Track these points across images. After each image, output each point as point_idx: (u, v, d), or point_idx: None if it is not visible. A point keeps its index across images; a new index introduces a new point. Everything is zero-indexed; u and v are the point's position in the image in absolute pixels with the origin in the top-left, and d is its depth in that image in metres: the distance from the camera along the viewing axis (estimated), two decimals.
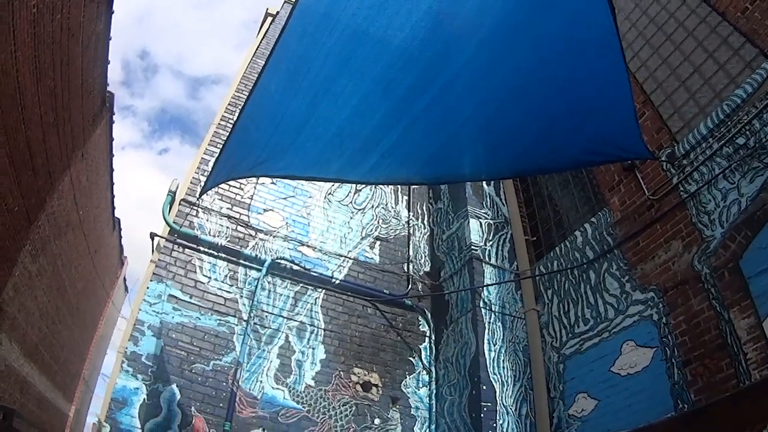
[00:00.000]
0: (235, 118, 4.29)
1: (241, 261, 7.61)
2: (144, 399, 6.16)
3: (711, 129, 6.41)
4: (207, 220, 7.72)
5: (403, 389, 7.61)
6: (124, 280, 23.88)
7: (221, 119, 9.05)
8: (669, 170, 6.64)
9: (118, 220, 17.81)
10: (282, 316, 7.41)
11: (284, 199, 8.58)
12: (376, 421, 7.21)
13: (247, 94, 4.38)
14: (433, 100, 4.47)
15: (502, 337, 7.44)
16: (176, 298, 6.97)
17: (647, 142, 6.72)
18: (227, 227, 7.82)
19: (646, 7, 8.44)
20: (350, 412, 7.13)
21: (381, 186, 9.74)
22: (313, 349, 7.37)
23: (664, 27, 7.95)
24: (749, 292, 5.48)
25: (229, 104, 9.37)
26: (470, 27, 4.12)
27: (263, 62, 4.06)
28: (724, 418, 4.97)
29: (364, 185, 9.42)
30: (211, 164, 7.57)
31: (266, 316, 7.32)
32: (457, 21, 4.12)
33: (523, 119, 4.78)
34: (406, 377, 7.72)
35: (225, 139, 4.51)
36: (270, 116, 4.44)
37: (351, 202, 9.31)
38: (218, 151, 4.93)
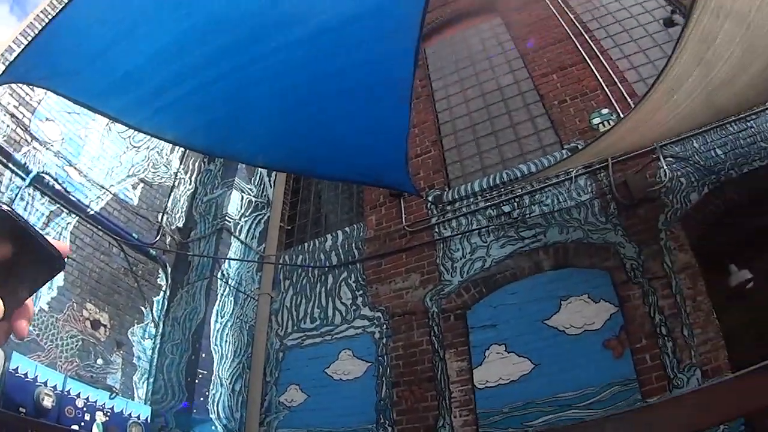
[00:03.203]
0: (48, 20, 4.17)
1: (10, 164, 7.30)
2: None
3: (484, 188, 7.05)
4: None
5: (130, 336, 7.56)
6: None
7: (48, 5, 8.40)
8: (432, 210, 7.17)
9: None
10: None
11: (69, 113, 8.23)
12: (99, 361, 7.13)
13: None
14: (227, 75, 4.51)
15: (231, 312, 7.64)
16: None
17: (422, 178, 7.23)
18: (8, 126, 7.49)
19: (477, 60, 8.97)
20: (76, 346, 7.01)
21: None
22: None
23: (484, 84, 8.48)
24: (468, 340, 6.17)
25: None
26: (288, 23, 4.22)
27: None
28: None
29: None
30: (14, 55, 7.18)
31: None
32: (279, 12, 4.21)
33: (310, 123, 4.96)
34: (134, 325, 7.66)
35: (34, 35, 4.38)
36: (73, 35, 4.34)
37: (130, 137, 8.98)
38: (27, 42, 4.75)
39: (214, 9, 4.09)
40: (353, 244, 7.58)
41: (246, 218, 8.65)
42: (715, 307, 5.48)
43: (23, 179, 7.28)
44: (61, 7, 4.10)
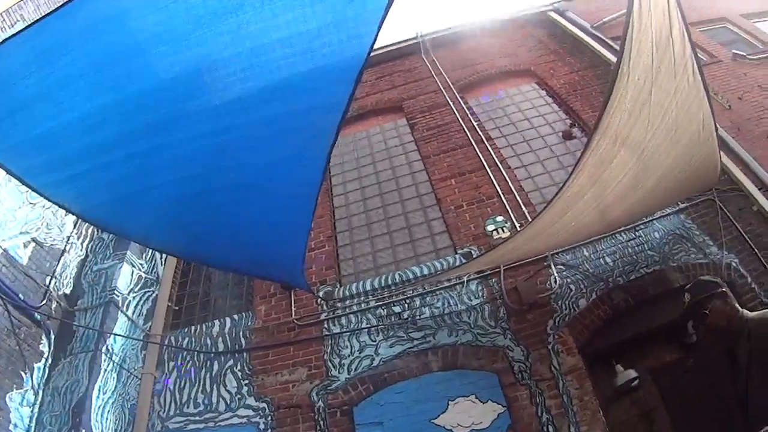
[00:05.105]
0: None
1: None
2: None
3: (375, 288, 7.35)
4: None
5: (8, 402, 7.29)
6: None
7: None
8: (322, 305, 7.40)
9: None
10: None
11: None
12: None
13: None
14: (136, 155, 4.45)
15: (113, 389, 7.45)
16: None
17: (314, 273, 7.55)
18: None
19: (378, 159, 9.46)
20: None
21: None
22: None
23: (383, 183, 8.91)
24: None
25: None
26: (205, 117, 4.20)
27: None
28: None
29: None
30: None
31: None
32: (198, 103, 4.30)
33: (208, 213, 5.03)
34: (13, 390, 7.40)
35: None
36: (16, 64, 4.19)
37: (27, 192, 8.30)
38: None
39: (141, 88, 3.99)
40: (241, 333, 7.57)
41: (135, 294, 8.45)
42: (601, 405, 5.87)
43: None
44: None
